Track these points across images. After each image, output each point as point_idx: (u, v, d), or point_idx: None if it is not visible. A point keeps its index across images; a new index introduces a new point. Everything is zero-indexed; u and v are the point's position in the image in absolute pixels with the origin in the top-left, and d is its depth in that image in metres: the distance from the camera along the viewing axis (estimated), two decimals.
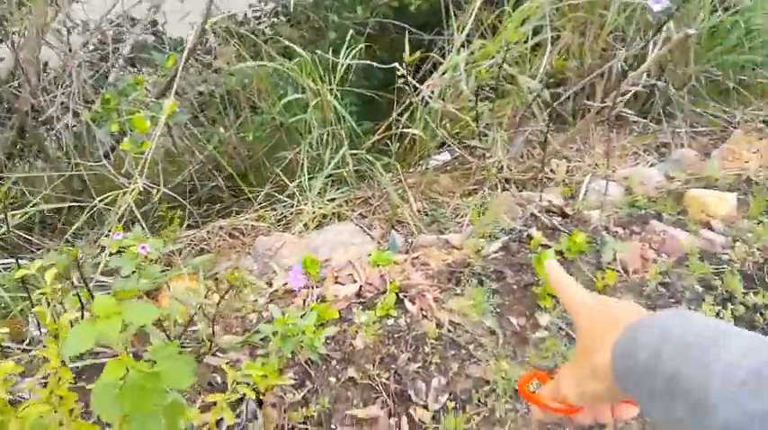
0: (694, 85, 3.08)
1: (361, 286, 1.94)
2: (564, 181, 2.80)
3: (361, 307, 1.85)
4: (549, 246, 2.01)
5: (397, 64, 2.48)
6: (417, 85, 2.52)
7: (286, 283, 1.98)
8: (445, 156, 2.94)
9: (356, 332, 1.72)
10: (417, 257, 2.12)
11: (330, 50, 2.64)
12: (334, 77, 2.60)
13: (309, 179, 2.53)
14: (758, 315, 1.73)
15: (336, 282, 1.98)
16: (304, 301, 1.91)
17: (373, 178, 2.73)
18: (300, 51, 2.44)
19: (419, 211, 2.72)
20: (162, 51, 3.44)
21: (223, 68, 3.37)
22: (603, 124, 3.20)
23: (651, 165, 2.73)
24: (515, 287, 1.86)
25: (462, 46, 2.68)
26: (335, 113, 2.61)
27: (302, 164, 2.56)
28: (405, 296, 1.87)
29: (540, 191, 2.83)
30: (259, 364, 1.51)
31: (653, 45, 2.32)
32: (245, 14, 4.65)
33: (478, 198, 2.66)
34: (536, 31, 2.78)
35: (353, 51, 2.62)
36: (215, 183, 3.03)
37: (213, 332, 1.66)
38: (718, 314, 1.71)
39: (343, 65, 2.56)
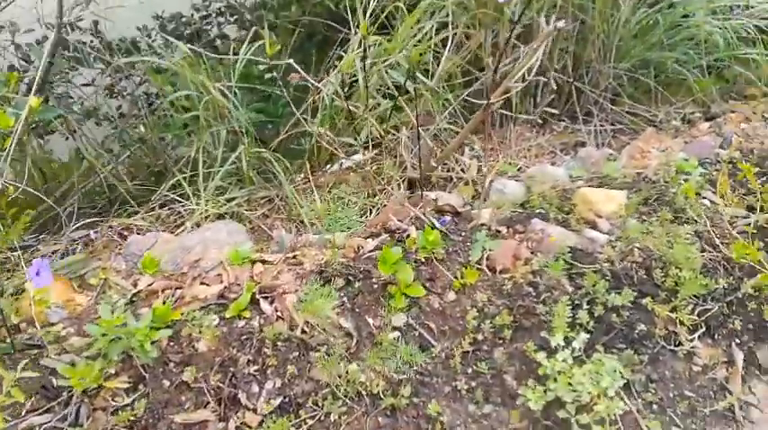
0: (612, 83, 3.04)
1: (225, 287, 1.89)
2: (473, 180, 2.76)
3: (218, 308, 1.80)
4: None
5: (291, 60, 2.44)
6: (313, 82, 2.47)
7: (151, 284, 1.94)
8: (358, 156, 2.89)
9: (200, 334, 1.67)
10: (294, 257, 2.07)
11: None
12: (233, 74, 2.56)
13: (205, 178, 2.49)
14: (615, 315, 1.69)
15: (202, 283, 1.94)
16: (164, 302, 1.86)
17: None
18: (183, 47, 2.40)
19: (325, 211, 2.68)
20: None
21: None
22: (526, 123, 3.17)
23: (556, 165, 2.68)
24: (376, 286, 1.81)
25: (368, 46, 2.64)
26: (236, 111, 2.57)
27: (198, 162, 2.52)
28: (265, 297, 1.82)
29: (449, 191, 2.80)
30: (83, 367, 1.47)
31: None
32: (192, 15, 4.62)
33: (383, 197, 2.62)
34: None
35: (252, 49, 2.57)
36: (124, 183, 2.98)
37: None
38: (573, 315, 1.66)
39: (239, 62, 2.52)
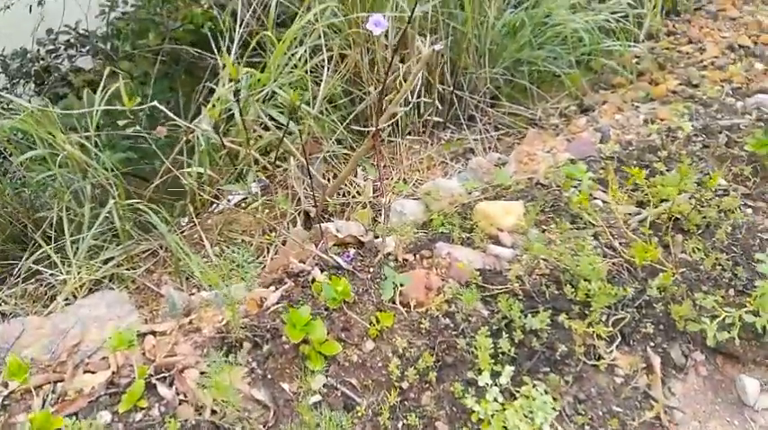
0: (489, 86, 3.07)
1: (113, 372, 1.66)
2: (370, 202, 2.67)
3: (109, 400, 1.58)
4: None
5: (156, 102, 2.21)
6: (184, 123, 2.26)
7: (28, 376, 1.66)
8: (242, 191, 2.71)
9: None
10: (190, 322, 1.87)
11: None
12: (92, 123, 2.28)
13: (73, 241, 2.21)
14: (535, 338, 1.66)
15: (86, 371, 1.69)
16: (43, 404, 1.60)
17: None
18: (24, 103, 2.11)
19: (217, 256, 2.47)
20: None
21: None
22: (414, 135, 3.13)
23: (449, 177, 2.66)
24: (287, 346, 1.66)
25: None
26: (99, 163, 2.30)
27: (64, 224, 2.23)
28: (162, 378, 1.62)
29: (347, 216, 2.69)
30: None
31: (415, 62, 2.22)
32: (38, 51, 4.17)
33: (277, 235, 2.46)
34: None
35: (108, 92, 2.31)
36: None
37: None
38: (495, 344, 1.62)
39: (97, 111, 2.25)
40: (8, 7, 3.75)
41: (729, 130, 2.53)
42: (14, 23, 3.89)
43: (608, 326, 1.69)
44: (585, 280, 1.75)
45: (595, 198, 2.18)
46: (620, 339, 1.69)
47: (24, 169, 2.37)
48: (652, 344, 1.71)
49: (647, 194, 2.12)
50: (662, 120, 2.72)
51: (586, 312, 1.72)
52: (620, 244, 1.95)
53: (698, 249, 1.95)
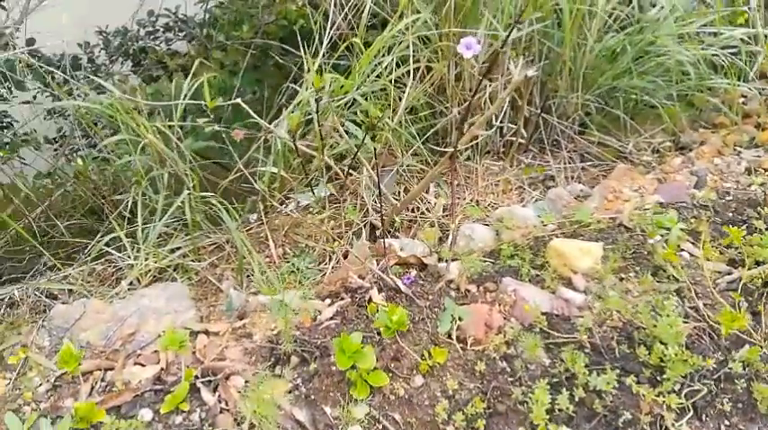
0: (580, 113, 2.91)
1: (162, 368, 1.67)
2: (438, 221, 2.59)
3: (153, 398, 1.59)
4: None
5: (240, 100, 2.22)
6: (264, 123, 2.26)
7: (79, 364, 1.70)
8: (311, 197, 2.69)
9: None
10: (243, 326, 1.86)
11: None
12: (176, 113, 2.32)
13: (144, 227, 2.25)
14: (598, 399, 1.54)
15: (137, 363, 1.71)
16: (92, 389, 1.63)
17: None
18: (110, 87, 2.16)
19: (280, 258, 2.48)
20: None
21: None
22: (493, 155, 3.02)
23: (524, 205, 2.54)
24: (334, 368, 1.62)
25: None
26: (179, 154, 2.33)
27: (138, 209, 2.28)
28: (207, 381, 1.61)
29: (413, 233, 2.62)
30: None
31: (502, 86, 2.12)
32: (138, 31, 4.34)
33: (341, 245, 2.42)
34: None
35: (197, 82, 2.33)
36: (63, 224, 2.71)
37: None
38: (552, 399, 1.51)
39: (184, 100, 2.28)
40: None
41: None
42: (118, 2, 4.06)
43: (680, 397, 1.54)
44: (662, 342, 1.61)
45: (683, 250, 2.01)
46: (691, 413, 1.54)
47: (109, 151, 2.44)
48: (727, 423, 1.54)
49: (741, 253, 1.94)
50: (766, 170, 2.49)
51: (658, 378, 1.57)
52: (704, 305, 1.79)
53: None
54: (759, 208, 2.20)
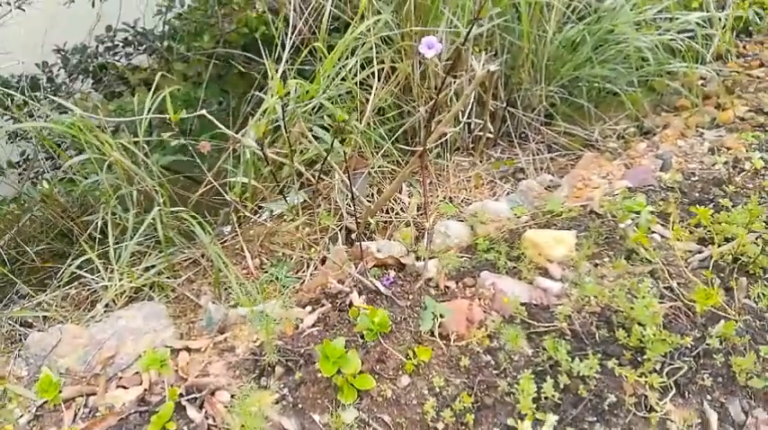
0: (545, 104, 2.95)
1: (145, 389, 1.65)
2: (413, 220, 2.60)
3: (138, 420, 1.56)
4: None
5: (205, 111, 2.20)
6: (231, 133, 2.24)
7: (59, 392, 1.66)
8: (284, 205, 2.67)
9: None
10: (225, 340, 1.85)
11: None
12: (140, 129, 2.29)
13: (116, 247, 2.21)
14: (582, 384, 1.56)
15: (119, 385, 1.68)
16: (75, 415, 1.60)
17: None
18: (71, 106, 2.12)
19: (257, 268, 2.46)
20: None
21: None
22: (463, 151, 3.04)
23: (497, 198, 2.57)
24: (320, 375, 1.61)
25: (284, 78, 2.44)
26: (147, 170, 2.30)
27: (108, 229, 2.24)
28: (192, 399, 1.59)
29: (389, 234, 2.63)
30: None
31: (467, 82, 2.14)
32: (97, 47, 4.25)
33: (318, 251, 2.41)
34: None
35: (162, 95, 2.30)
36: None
37: None
38: (538, 387, 1.52)
39: (148, 114, 2.25)
40: (73, 1, 3.84)
41: None
42: (75, 19, 3.98)
43: (662, 375, 1.57)
44: (640, 324, 1.64)
45: (654, 232, 2.05)
46: (674, 391, 1.57)
47: (74, 171, 2.39)
48: (709, 397, 1.58)
49: (710, 232, 1.99)
50: (728, 149, 2.56)
51: (639, 359, 1.60)
52: (678, 285, 1.83)
53: (764, 295, 1.81)
54: (724, 186, 2.26)
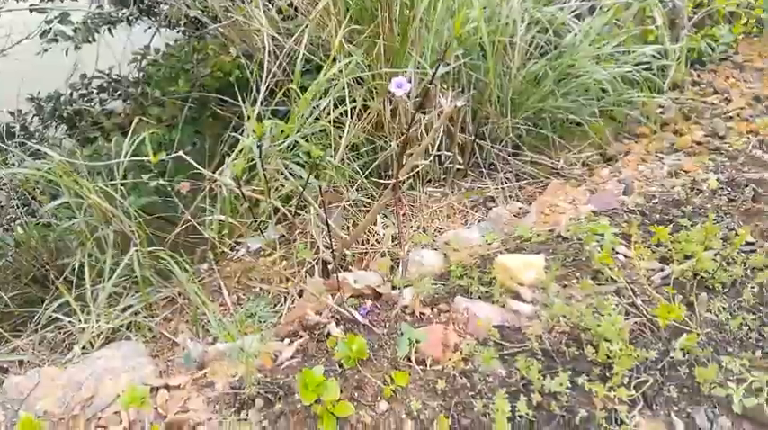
0: (511, 136, 3.06)
1: (125, 428, 1.65)
2: (389, 250, 2.66)
3: None
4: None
5: (182, 153, 2.26)
6: (208, 173, 2.30)
7: None
8: (261, 240, 2.71)
9: None
10: (204, 376, 1.86)
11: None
12: (118, 172, 2.34)
13: (93, 289, 2.23)
14: (554, 401, 1.61)
15: (99, 426, 1.69)
16: None
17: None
18: (49, 151, 2.16)
19: (234, 304, 2.48)
20: None
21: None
22: (434, 182, 3.13)
23: (468, 226, 2.64)
24: (299, 405, 1.64)
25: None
26: (124, 212, 2.34)
27: (85, 271, 2.26)
28: None
29: (366, 264, 2.68)
30: None
31: (436, 117, 2.23)
32: (71, 94, 4.31)
33: (295, 284, 2.45)
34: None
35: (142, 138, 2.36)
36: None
37: None
38: (513, 406, 1.57)
39: (124, 158, 2.30)
40: (46, 51, 3.90)
41: (756, 184, 2.48)
42: (49, 68, 4.04)
43: (630, 389, 1.63)
44: (607, 340, 1.70)
45: (618, 253, 2.14)
46: (642, 403, 1.62)
47: (50, 215, 2.42)
48: (676, 408, 1.64)
49: (670, 250, 2.08)
50: (686, 172, 2.68)
51: (608, 374, 1.66)
52: (642, 302, 1.90)
53: (723, 309, 1.88)
54: (683, 207, 2.36)
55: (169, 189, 2.63)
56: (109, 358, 1.89)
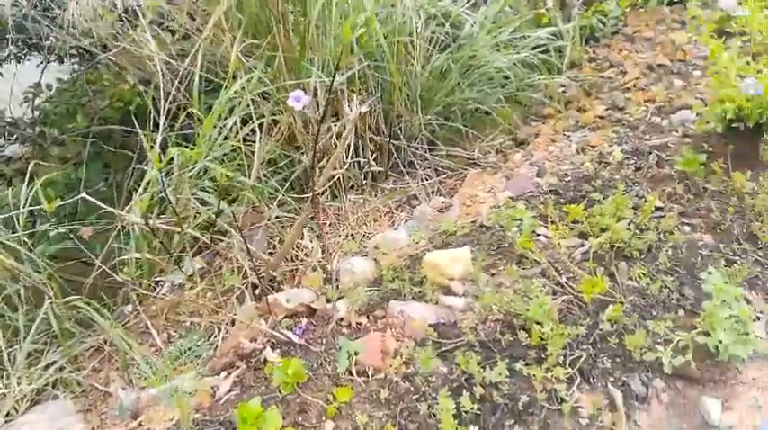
0: (425, 132, 3.09)
1: None
2: (320, 263, 2.62)
3: None
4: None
5: (84, 193, 2.15)
6: (117, 211, 2.19)
7: None
8: (186, 269, 2.62)
9: None
10: (140, 424, 1.78)
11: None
12: (19, 223, 2.19)
13: (10, 350, 2.09)
14: (496, 391, 1.63)
15: None
16: None
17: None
18: None
19: (165, 343, 2.38)
20: None
21: None
22: (357, 188, 3.12)
23: (395, 227, 2.65)
24: None
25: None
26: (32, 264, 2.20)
27: None
28: None
29: (298, 281, 2.63)
30: None
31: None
32: None
33: (226, 313, 2.38)
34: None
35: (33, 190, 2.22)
36: None
37: None
38: (457, 402, 1.58)
39: (25, 207, 2.16)
40: None
41: (659, 150, 2.61)
42: None
43: (566, 367, 1.68)
44: (538, 323, 1.74)
45: (538, 235, 2.20)
46: (579, 379, 1.68)
47: None
48: (611, 378, 1.70)
49: (586, 226, 2.15)
50: (593, 146, 2.79)
51: (543, 356, 1.70)
52: (567, 279, 1.96)
53: (643, 274, 1.97)
54: (593, 181, 2.45)
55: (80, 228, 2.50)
56: (35, 423, 1.78)
